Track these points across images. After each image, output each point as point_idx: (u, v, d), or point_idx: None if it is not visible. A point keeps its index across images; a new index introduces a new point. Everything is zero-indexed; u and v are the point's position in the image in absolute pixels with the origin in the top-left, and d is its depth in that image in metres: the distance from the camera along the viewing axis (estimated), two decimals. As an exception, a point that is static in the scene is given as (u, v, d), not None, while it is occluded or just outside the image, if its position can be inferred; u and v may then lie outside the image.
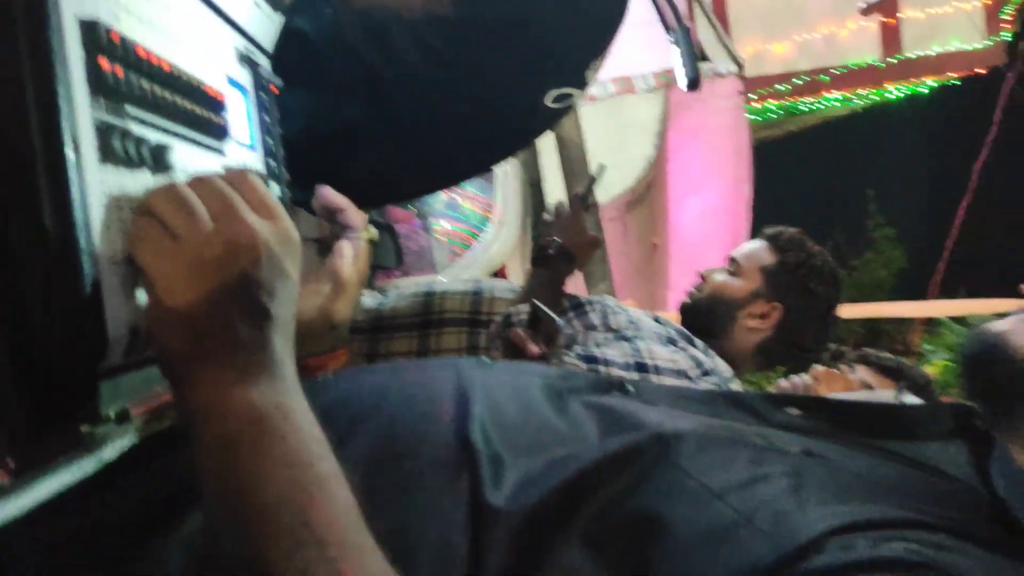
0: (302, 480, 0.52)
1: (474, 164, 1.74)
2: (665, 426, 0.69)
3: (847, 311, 1.85)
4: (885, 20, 8.24)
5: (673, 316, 1.87)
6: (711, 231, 5.49)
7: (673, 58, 1.75)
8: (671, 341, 1.64)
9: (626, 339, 1.60)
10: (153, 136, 0.73)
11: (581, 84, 1.51)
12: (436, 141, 1.47)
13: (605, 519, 0.61)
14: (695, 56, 1.73)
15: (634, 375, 1.43)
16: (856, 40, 8.35)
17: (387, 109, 1.44)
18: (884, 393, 1.75)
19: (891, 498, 0.63)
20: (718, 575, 0.56)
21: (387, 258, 1.87)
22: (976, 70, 8.37)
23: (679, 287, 2.12)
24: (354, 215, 1.07)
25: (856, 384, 1.80)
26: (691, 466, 0.64)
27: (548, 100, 1.48)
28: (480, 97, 1.46)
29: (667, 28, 1.72)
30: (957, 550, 0.59)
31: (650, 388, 0.78)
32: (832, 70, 8.35)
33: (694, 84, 1.76)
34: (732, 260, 1.80)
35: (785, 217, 1.90)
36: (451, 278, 3.25)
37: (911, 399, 0.95)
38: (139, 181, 0.70)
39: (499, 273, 3.86)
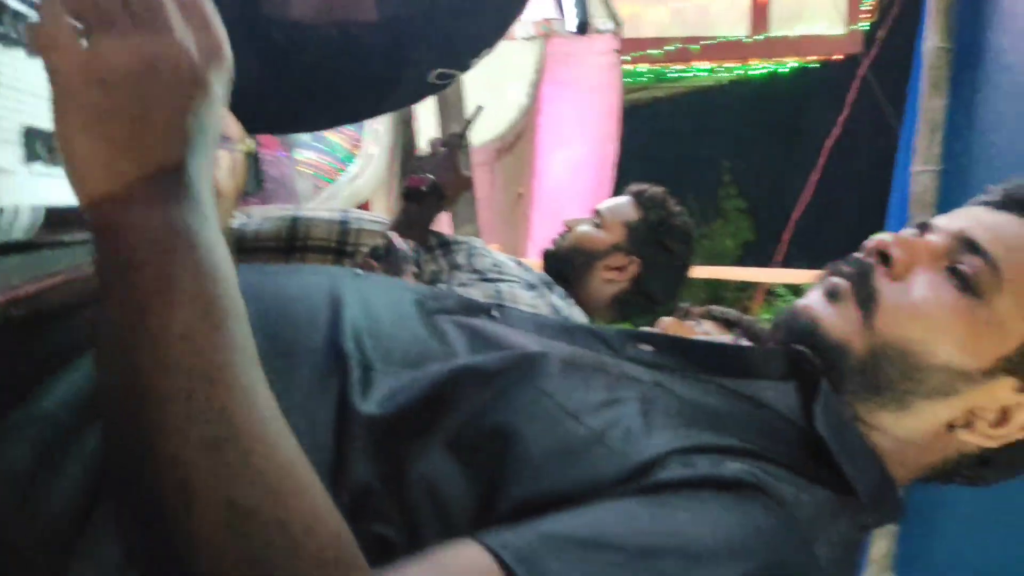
0: (206, 316, 0.50)
1: (350, 115, 1.72)
2: (529, 348, 0.73)
3: (693, 271, 1.94)
4: (757, -2, 8.52)
5: (534, 264, 1.92)
6: (576, 185, 5.61)
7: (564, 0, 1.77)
8: (532, 287, 1.69)
9: (489, 280, 1.64)
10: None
11: (465, 69, 1.54)
12: (318, 84, 1.46)
13: (467, 429, 0.64)
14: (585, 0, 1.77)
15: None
16: (727, 14, 8.60)
17: (274, 49, 1.41)
18: (724, 338, 1.86)
19: (729, 429, 0.69)
20: (567, 488, 0.61)
21: (247, 183, 1.82)
22: (834, 55, 8.79)
23: (541, 238, 2.18)
24: (232, 124, 1.04)
25: (701, 335, 1.90)
26: (550, 387, 0.67)
27: (431, 78, 1.50)
28: (367, 67, 1.46)
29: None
30: (784, 479, 0.66)
31: (515, 315, 0.82)
32: (702, 40, 8.59)
33: (583, 28, 1.79)
34: (597, 212, 1.85)
35: (642, 179, 1.96)
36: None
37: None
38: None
39: (363, 207, 3.83)
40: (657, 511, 0.59)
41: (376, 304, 0.77)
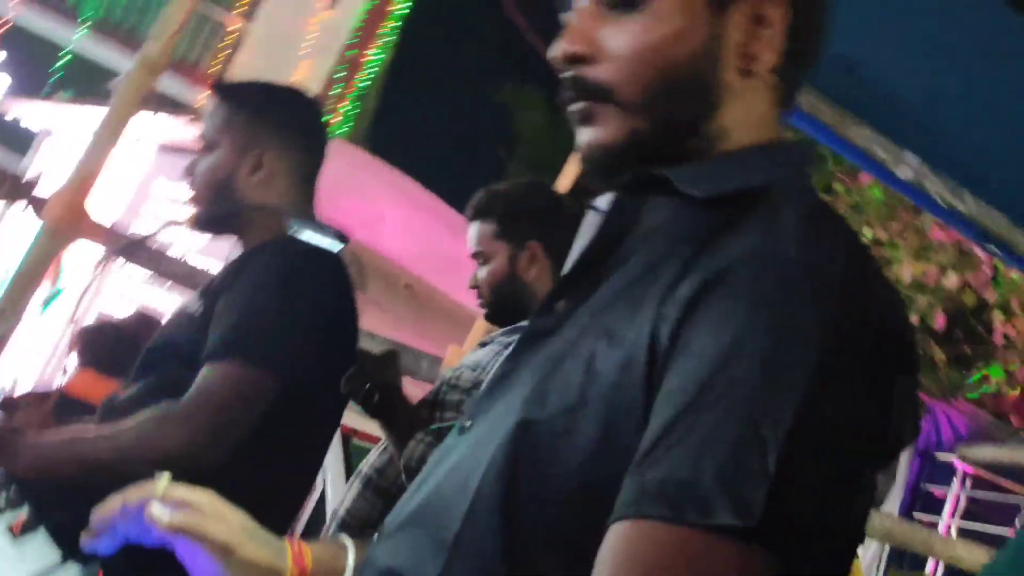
0: None
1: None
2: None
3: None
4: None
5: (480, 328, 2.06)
6: (426, 240, 5.69)
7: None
8: (484, 346, 1.86)
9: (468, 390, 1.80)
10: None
11: None
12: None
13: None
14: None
15: None
16: None
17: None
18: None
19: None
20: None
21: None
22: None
23: (466, 299, 2.30)
24: None
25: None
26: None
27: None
28: None
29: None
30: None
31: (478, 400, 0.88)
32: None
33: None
34: (474, 255, 1.99)
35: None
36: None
37: None
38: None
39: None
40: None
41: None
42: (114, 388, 3.55)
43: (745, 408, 0.62)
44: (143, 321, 3.68)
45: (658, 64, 0.80)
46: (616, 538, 0.63)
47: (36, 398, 2.45)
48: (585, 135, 0.84)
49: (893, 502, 5.31)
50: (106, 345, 3.53)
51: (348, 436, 5.22)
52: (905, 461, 5.30)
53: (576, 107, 0.83)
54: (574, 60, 0.82)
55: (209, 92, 1.81)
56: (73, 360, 3.56)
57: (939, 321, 6.45)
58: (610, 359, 0.72)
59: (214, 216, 1.72)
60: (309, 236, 1.66)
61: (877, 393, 0.66)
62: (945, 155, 2.47)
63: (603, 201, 0.88)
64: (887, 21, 2.07)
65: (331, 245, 1.64)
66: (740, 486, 0.59)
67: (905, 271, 6.61)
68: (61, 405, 2.06)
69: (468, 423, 0.83)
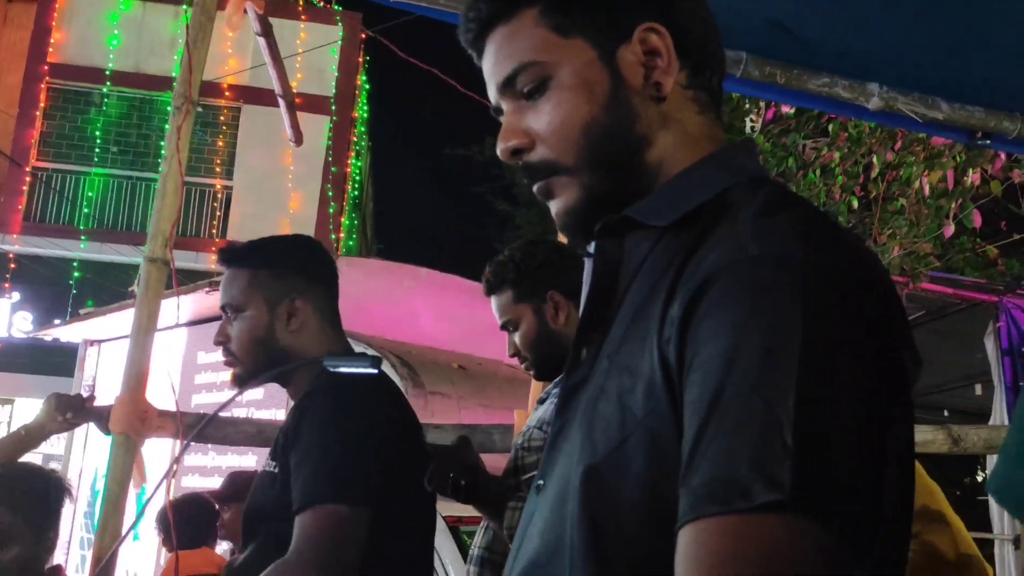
0: None
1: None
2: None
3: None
4: None
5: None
6: (460, 316, 5.80)
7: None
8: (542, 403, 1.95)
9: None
10: None
11: None
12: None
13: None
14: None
15: None
16: None
17: None
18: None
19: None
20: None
21: None
22: None
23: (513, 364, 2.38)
24: None
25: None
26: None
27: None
28: None
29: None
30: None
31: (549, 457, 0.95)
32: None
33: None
34: (503, 326, 2.08)
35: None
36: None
37: None
38: None
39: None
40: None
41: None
42: (213, 558, 3.65)
43: (755, 399, 0.69)
44: (234, 485, 3.80)
45: (578, 127, 0.90)
46: (683, 542, 0.70)
47: None
48: (554, 207, 0.94)
49: (999, 411, 5.21)
50: (192, 520, 3.64)
51: (455, 527, 5.28)
52: (996, 367, 5.22)
53: (536, 187, 0.94)
54: (516, 152, 0.93)
55: (220, 260, 1.93)
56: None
57: (977, 220, 6.38)
58: (635, 393, 0.79)
59: (259, 372, 1.83)
60: (346, 367, 1.76)
61: (864, 342, 0.72)
62: (907, 73, 2.53)
63: (592, 247, 0.96)
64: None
65: (368, 368, 1.74)
66: (769, 466, 0.67)
67: (924, 184, 6.58)
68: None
69: (541, 482, 0.91)
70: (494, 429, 2.86)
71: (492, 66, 0.95)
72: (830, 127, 7.37)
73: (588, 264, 0.97)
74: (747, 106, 7.86)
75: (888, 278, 0.80)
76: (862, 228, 7.20)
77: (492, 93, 0.96)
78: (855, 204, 7.21)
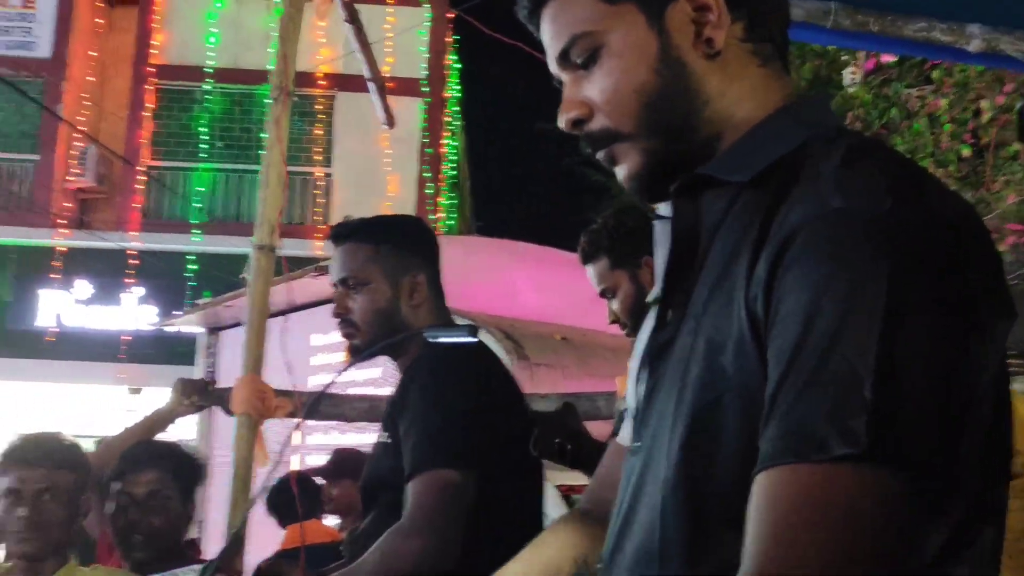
0: None
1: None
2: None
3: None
4: None
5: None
6: (561, 287, 5.83)
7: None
8: None
9: None
10: None
11: None
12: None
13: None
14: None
15: None
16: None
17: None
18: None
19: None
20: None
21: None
22: None
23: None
24: None
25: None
26: None
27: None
28: None
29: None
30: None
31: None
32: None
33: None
34: (602, 292, 2.11)
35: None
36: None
37: None
38: None
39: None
40: None
41: None
42: (323, 528, 3.81)
43: (836, 352, 0.70)
44: (340, 461, 3.95)
45: (631, 92, 0.91)
46: (758, 489, 0.72)
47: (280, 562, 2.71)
48: (619, 173, 0.95)
49: None
50: (304, 494, 3.80)
51: (567, 495, 5.33)
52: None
53: (601, 156, 0.96)
54: (576, 123, 0.95)
55: (334, 235, 2.00)
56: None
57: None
58: (725, 352, 0.81)
59: (378, 344, 1.91)
60: (447, 338, 1.82)
61: (948, 299, 0.72)
62: (1008, 9, 2.43)
63: (665, 208, 0.97)
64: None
65: (467, 337, 1.81)
66: (846, 419, 0.69)
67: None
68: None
69: (637, 444, 0.93)
70: (598, 396, 2.89)
71: (549, 40, 0.97)
72: (934, 74, 7.09)
73: (659, 226, 0.98)
74: (844, 57, 7.61)
75: (977, 227, 0.78)
76: (974, 177, 6.92)
77: (552, 66, 0.98)
78: (965, 152, 6.94)
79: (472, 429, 1.70)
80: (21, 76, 12.14)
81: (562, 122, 0.96)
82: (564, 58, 0.95)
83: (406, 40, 12.23)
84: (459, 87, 14.48)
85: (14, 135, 12.98)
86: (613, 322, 2.12)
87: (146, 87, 13.30)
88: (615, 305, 2.08)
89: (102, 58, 13.44)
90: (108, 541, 2.49)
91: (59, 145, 12.90)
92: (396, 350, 1.90)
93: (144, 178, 13.06)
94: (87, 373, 12.38)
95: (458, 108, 14.46)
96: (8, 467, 2.09)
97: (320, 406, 2.65)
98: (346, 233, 1.97)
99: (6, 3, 13.15)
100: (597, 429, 2.11)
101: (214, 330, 7.50)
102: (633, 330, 2.09)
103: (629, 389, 1.02)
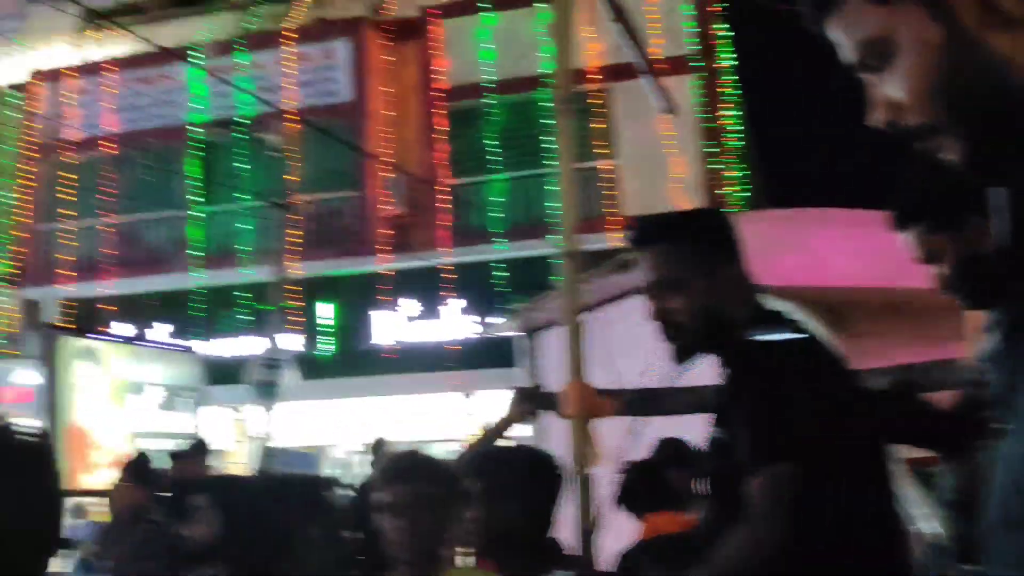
0: None
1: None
2: None
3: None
4: None
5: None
6: (874, 249, 5.49)
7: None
8: None
9: None
10: None
11: None
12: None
13: None
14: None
15: None
16: None
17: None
18: None
19: None
20: None
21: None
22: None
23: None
24: None
25: None
26: None
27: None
28: None
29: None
30: None
31: None
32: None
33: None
34: (927, 257, 1.99)
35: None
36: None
37: None
38: None
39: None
40: None
41: None
42: (675, 518, 3.86)
43: None
44: (669, 450, 4.00)
45: (930, 87, 0.88)
46: None
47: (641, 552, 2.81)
48: (948, 160, 0.92)
49: None
50: (650, 486, 3.88)
51: (921, 470, 5.03)
52: None
53: (919, 147, 0.93)
54: (888, 124, 0.93)
55: (637, 240, 2.05)
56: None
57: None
58: None
59: (701, 343, 1.93)
60: (772, 336, 1.81)
61: None
62: None
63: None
64: None
65: (792, 333, 1.79)
66: None
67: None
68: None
69: (1006, 427, 0.89)
70: (931, 366, 2.73)
71: (839, 49, 0.96)
72: None
73: (993, 192, 0.93)
74: None
75: None
76: None
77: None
78: None
79: (804, 422, 1.69)
80: (331, 121, 13.44)
81: (876, 124, 0.94)
82: (860, 68, 0.94)
83: (671, 18, 12.10)
84: (732, 55, 14.08)
85: (331, 176, 14.40)
86: (943, 290, 1.98)
87: (435, 111, 14.20)
88: (942, 270, 1.95)
89: (395, 92, 14.55)
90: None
91: (370, 178, 14.14)
92: (719, 347, 1.91)
93: (447, 197, 13.96)
94: (424, 383, 13.48)
95: (735, 77, 14.06)
96: (385, 484, 2.33)
97: (644, 401, 2.71)
98: (650, 236, 2.01)
99: (311, 59, 14.62)
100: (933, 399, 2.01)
101: (531, 332, 7.85)
102: (964, 295, 1.95)
103: None
